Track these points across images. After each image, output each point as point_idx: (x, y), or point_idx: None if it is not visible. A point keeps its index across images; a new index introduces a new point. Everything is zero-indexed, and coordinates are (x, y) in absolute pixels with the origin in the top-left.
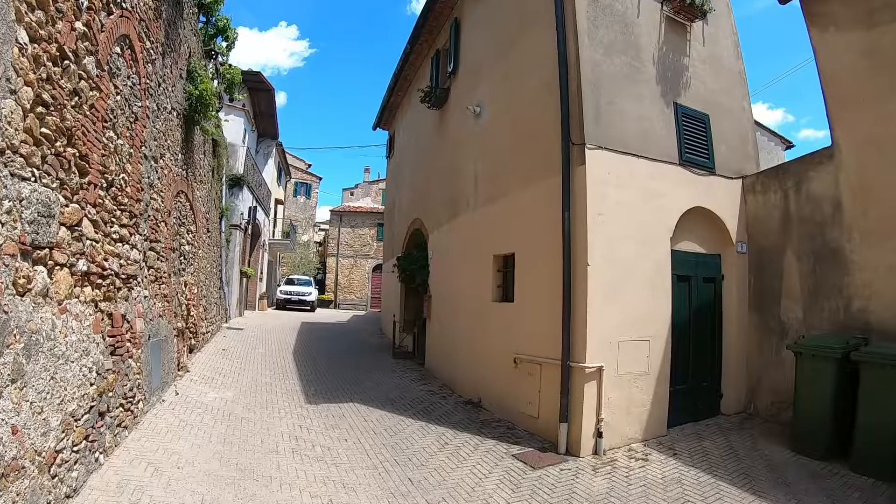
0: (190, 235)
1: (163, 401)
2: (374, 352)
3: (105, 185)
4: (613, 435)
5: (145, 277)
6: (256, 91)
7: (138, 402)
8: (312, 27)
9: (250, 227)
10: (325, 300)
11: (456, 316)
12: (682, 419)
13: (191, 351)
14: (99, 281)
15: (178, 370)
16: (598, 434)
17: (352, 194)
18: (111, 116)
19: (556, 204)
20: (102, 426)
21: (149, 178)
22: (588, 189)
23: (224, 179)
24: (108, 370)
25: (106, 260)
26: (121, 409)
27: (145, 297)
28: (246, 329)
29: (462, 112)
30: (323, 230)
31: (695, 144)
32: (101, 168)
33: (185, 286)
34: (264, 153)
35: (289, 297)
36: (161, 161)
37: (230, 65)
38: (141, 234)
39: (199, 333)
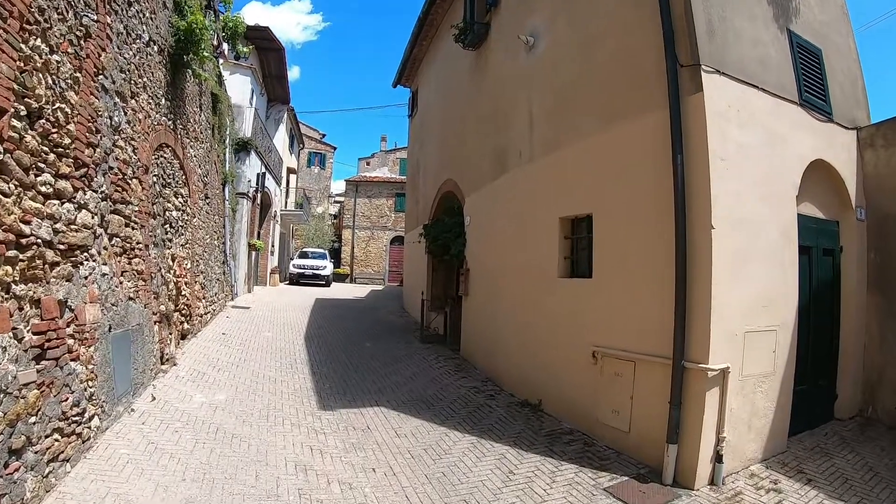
0: (179, 200)
1: (132, 411)
2: (398, 335)
3: (24, 113)
4: (732, 457)
5: (105, 249)
6: (265, 51)
7: (90, 418)
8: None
9: (259, 195)
10: (340, 274)
11: (503, 294)
12: (797, 427)
13: (183, 337)
14: (10, 253)
15: (163, 363)
16: (717, 458)
17: (368, 164)
18: (34, 13)
19: (658, 146)
20: (19, 470)
21: (111, 118)
22: (708, 125)
23: (228, 141)
24: (25, 384)
25: (25, 223)
26: (57, 435)
27: (103, 274)
28: (253, 308)
29: (506, 48)
30: (338, 202)
31: (811, 82)
32: (8, 84)
33: (174, 260)
34: (275, 119)
35: (302, 271)
36: (134, 102)
37: (232, 15)
38: (96, 192)
39: (195, 316)
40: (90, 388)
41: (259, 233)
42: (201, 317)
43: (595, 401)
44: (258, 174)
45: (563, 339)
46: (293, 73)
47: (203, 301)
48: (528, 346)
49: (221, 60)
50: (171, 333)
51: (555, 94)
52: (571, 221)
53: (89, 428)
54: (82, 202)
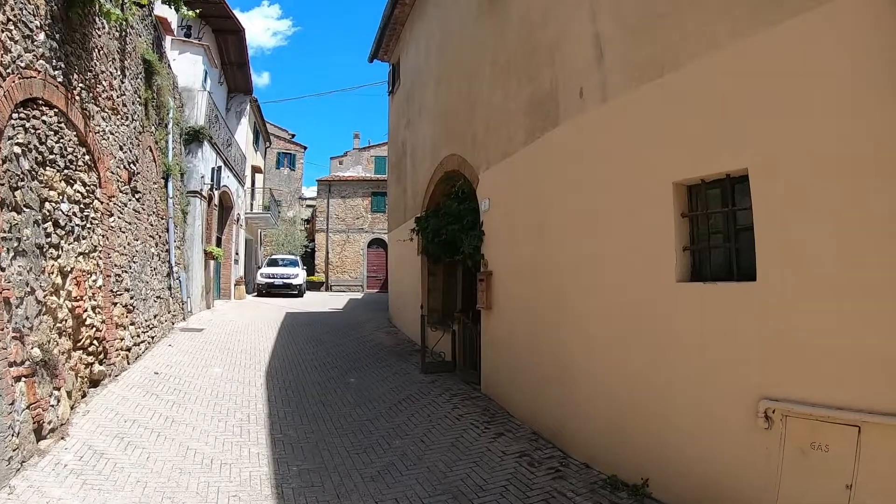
0: (77, 188)
1: None
2: (390, 361)
3: None
4: None
5: None
6: (222, 34)
7: None
8: (295, 4)
9: (217, 194)
10: (314, 282)
11: (557, 307)
12: None
13: (94, 385)
14: None
15: (41, 440)
16: None
17: (341, 163)
18: None
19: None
20: None
21: None
22: None
23: (173, 127)
24: None
25: None
26: None
27: None
28: (207, 330)
29: None
30: (310, 206)
31: None
32: None
33: (65, 276)
34: (236, 111)
35: (271, 280)
36: None
37: None
38: None
39: (114, 351)
40: None
41: (219, 239)
42: (127, 351)
43: (767, 490)
44: (213, 168)
45: (693, 382)
46: (262, 79)
47: (130, 329)
48: (618, 391)
49: (169, 39)
50: (58, 388)
51: None
52: (698, 188)
53: None
54: None
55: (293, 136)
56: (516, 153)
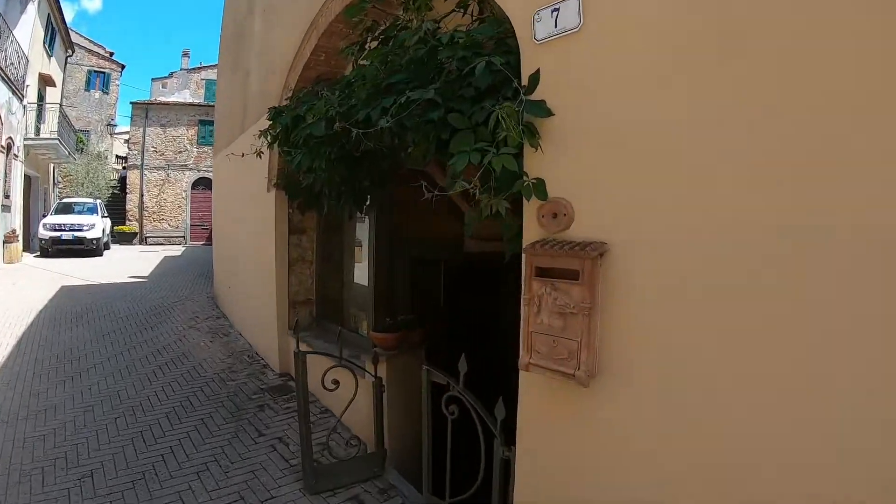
0: None
1: None
2: (216, 429)
3: None
4: None
5: None
6: None
7: None
8: None
9: None
10: (126, 234)
11: None
12: None
13: None
14: None
15: None
16: None
17: (164, 86)
18: None
19: None
20: None
21: None
22: None
23: None
24: None
25: None
26: None
27: None
28: None
29: None
30: (124, 138)
31: None
32: None
33: None
34: None
35: (58, 234)
36: None
37: None
38: None
39: None
40: None
41: None
42: None
43: None
44: None
45: None
46: (94, 4)
47: None
48: None
49: None
50: None
51: None
52: None
53: None
54: None
55: (112, 53)
56: None
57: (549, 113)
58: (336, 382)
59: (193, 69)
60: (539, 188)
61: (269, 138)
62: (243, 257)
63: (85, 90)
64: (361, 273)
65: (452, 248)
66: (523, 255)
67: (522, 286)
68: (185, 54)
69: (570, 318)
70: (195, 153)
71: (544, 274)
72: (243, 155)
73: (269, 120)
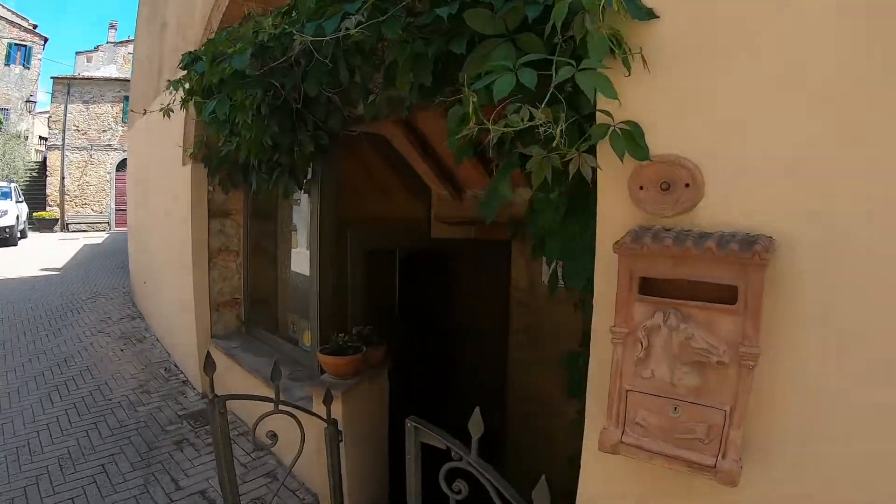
0: None
1: None
2: (126, 478)
3: None
4: None
5: None
6: None
7: None
8: None
9: None
10: (46, 220)
11: None
12: None
13: None
14: None
15: None
16: None
17: (89, 60)
18: None
19: None
20: None
21: None
22: None
23: None
24: None
25: None
26: None
27: None
28: None
29: None
30: (44, 115)
31: None
32: None
33: None
34: None
35: None
36: None
37: None
38: None
39: None
40: None
41: None
42: None
43: None
44: None
45: None
46: None
47: None
48: None
49: None
50: None
51: None
52: None
53: None
54: None
55: (35, 26)
56: None
57: (650, 14)
58: (274, 436)
59: (121, 42)
60: (636, 138)
61: (182, 92)
62: (156, 247)
63: (5, 65)
64: (301, 266)
65: (416, 234)
66: (618, 258)
67: (596, 306)
68: (113, 26)
69: (712, 371)
70: (120, 132)
71: (656, 291)
72: (144, 112)
73: (182, 69)
